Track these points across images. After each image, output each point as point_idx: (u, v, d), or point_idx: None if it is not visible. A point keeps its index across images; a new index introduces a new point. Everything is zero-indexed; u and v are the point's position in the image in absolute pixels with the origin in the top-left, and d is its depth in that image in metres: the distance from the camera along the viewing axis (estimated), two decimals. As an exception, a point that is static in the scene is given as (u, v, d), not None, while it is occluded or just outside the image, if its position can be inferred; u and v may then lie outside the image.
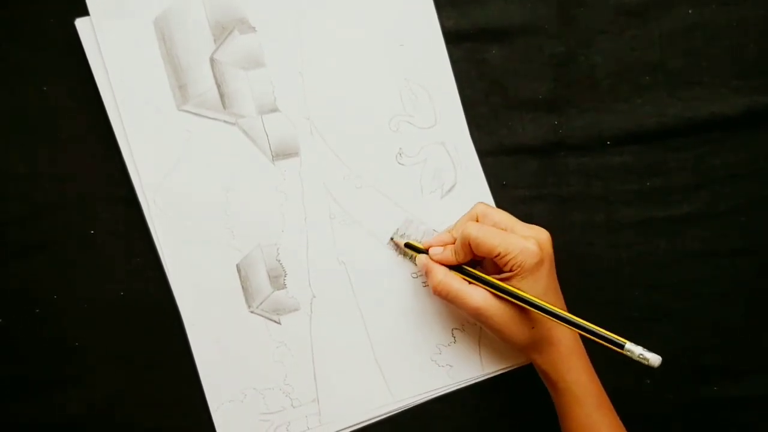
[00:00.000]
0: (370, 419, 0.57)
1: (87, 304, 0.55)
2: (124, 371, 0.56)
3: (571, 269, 0.54)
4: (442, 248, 0.53)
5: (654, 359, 0.43)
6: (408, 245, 0.55)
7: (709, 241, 0.58)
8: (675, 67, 0.57)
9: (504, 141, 0.57)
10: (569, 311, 0.48)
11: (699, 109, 0.57)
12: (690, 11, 0.57)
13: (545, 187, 0.58)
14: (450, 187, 0.57)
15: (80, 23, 0.53)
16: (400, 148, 0.56)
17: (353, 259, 0.56)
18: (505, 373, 0.58)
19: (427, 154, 0.57)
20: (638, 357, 0.44)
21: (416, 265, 0.55)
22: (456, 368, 0.57)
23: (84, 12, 0.53)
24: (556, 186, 0.58)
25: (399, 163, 0.56)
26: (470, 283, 0.51)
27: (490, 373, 0.57)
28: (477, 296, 0.50)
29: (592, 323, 0.46)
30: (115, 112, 0.54)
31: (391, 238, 0.56)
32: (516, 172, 0.58)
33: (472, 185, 0.57)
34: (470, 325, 0.57)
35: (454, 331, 0.57)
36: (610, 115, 0.57)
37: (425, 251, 0.54)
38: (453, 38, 0.56)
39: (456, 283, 0.51)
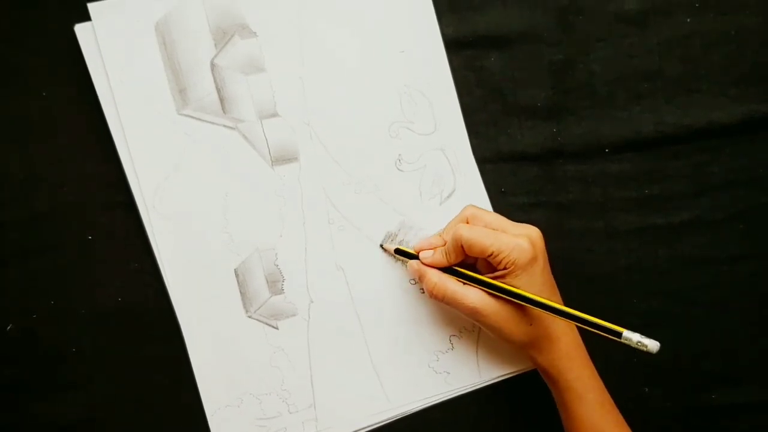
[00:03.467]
0: (368, 426, 0.57)
1: (85, 310, 0.55)
2: (122, 376, 0.56)
3: (570, 276, 0.54)
4: (432, 251, 0.53)
5: (652, 345, 0.43)
6: (398, 251, 0.55)
7: (708, 248, 0.58)
8: (673, 75, 0.57)
9: (503, 148, 0.57)
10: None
11: (697, 117, 0.57)
12: (688, 19, 0.57)
13: (544, 194, 0.58)
14: (449, 193, 0.57)
15: (80, 29, 0.53)
16: (400, 154, 0.56)
17: (351, 264, 0.56)
18: (503, 380, 0.58)
19: (426, 161, 0.57)
20: (636, 344, 0.44)
21: (407, 271, 0.55)
22: (453, 375, 0.57)
23: (84, 18, 0.53)
24: (554, 193, 0.58)
25: (398, 169, 0.56)
26: (465, 284, 0.51)
27: (487, 381, 0.57)
28: (473, 296, 0.50)
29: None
30: (114, 116, 0.54)
31: (381, 245, 0.56)
32: (515, 179, 0.58)
33: (472, 192, 0.57)
34: (468, 331, 0.57)
35: (452, 338, 0.57)
36: (609, 123, 0.57)
37: (416, 256, 0.54)
38: (452, 45, 0.57)
39: (451, 284, 0.51)
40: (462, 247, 0.50)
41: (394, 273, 0.57)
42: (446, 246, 0.52)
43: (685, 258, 0.58)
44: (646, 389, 0.57)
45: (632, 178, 0.58)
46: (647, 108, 0.57)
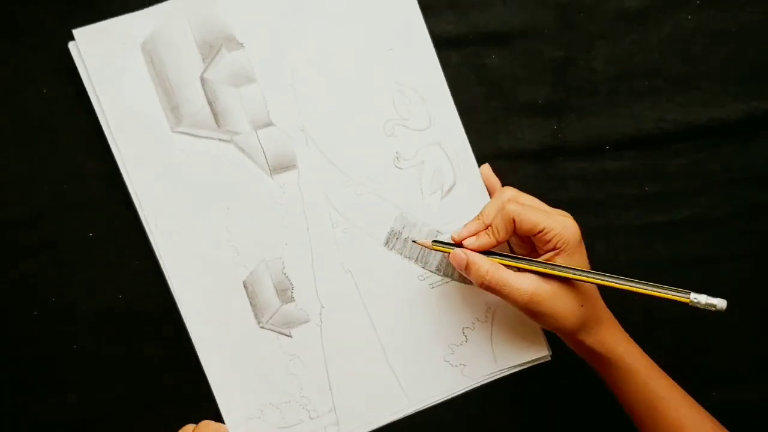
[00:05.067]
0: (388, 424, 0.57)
1: (86, 307, 0.56)
2: (123, 374, 0.56)
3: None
4: (475, 237, 0.51)
5: (720, 303, 0.45)
6: (436, 242, 0.53)
7: (708, 245, 0.58)
8: (674, 73, 0.57)
9: (503, 146, 0.57)
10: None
11: (698, 115, 0.57)
12: (689, 17, 0.57)
13: (544, 191, 0.57)
14: (450, 186, 0.57)
15: (74, 47, 0.53)
16: (397, 152, 0.56)
17: (359, 266, 0.56)
18: (509, 378, 0.58)
19: (424, 156, 0.57)
20: (705, 305, 0.46)
21: (450, 262, 0.52)
22: (470, 367, 0.57)
23: (85, 14, 0.54)
24: (555, 191, 0.58)
25: (397, 167, 0.56)
26: (517, 270, 0.50)
27: (504, 369, 0.57)
28: (528, 282, 0.49)
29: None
30: (113, 142, 0.54)
31: (413, 241, 0.56)
32: (515, 177, 0.57)
33: (472, 183, 0.57)
34: (481, 322, 0.57)
35: (465, 330, 0.57)
36: (610, 120, 0.57)
37: (456, 245, 0.52)
38: (453, 43, 0.56)
39: (503, 271, 0.49)
40: (513, 223, 0.49)
41: (402, 270, 0.57)
42: (493, 225, 0.50)
43: (685, 255, 0.58)
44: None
45: (633, 176, 0.57)
46: (648, 105, 0.57)
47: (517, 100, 0.57)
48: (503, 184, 0.57)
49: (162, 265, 0.55)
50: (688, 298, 0.46)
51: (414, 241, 0.56)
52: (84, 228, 0.55)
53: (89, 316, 0.55)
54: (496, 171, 0.57)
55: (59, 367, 0.56)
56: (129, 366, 0.56)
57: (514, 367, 0.57)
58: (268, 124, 0.55)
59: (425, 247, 0.55)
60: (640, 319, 0.57)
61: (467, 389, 0.57)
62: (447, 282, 0.57)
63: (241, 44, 0.54)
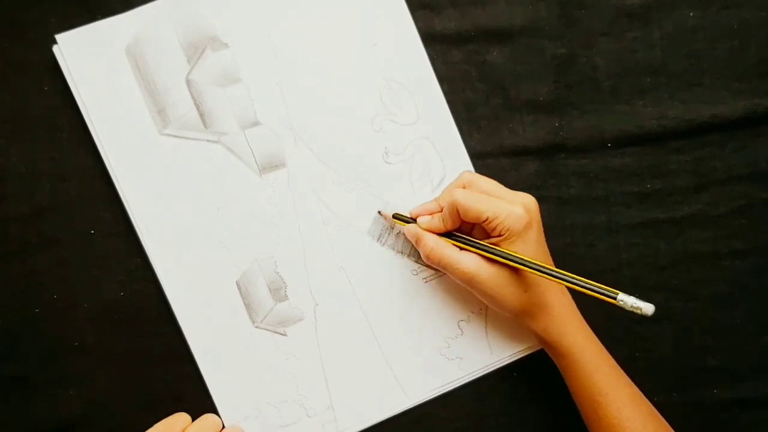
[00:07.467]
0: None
1: (87, 304, 0.56)
2: (123, 371, 0.56)
3: (572, 271, 0.53)
4: (429, 217, 0.53)
5: (647, 308, 0.43)
6: (396, 216, 0.55)
7: (710, 242, 0.58)
8: (676, 70, 0.57)
9: (505, 142, 0.57)
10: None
11: (700, 111, 0.57)
12: (691, 13, 0.57)
13: (546, 188, 0.57)
14: (440, 180, 0.57)
15: (58, 50, 0.53)
16: (386, 147, 0.56)
17: (351, 262, 0.56)
18: (504, 372, 0.57)
19: (413, 151, 0.56)
20: (631, 307, 0.43)
21: (406, 235, 0.54)
22: (466, 359, 0.57)
23: (87, 9, 0.54)
24: (556, 187, 0.57)
25: (386, 162, 0.56)
26: (461, 249, 0.51)
27: (500, 360, 0.57)
28: (469, 261, 0.50)
29: (583, 278, 0.46)
30: (101, 147, 0.54)
31: (379, 212, 0.56)
32: (516, 174, 0.57)
33: (462, 176, 0.57)
34: (476, 315, 0.57)
35: (460, 323, 0.57)
36: (611, 117, 0.57)
37: (413, 221, 0.54)
38: (454, 40, 0.56)
39: (447, 249, 0.51)
40: (458, 212, 0.50)
41: (396, 266, 0.57)
42: (443, 212, 0.52)
43: (687, 253, 0.58)
44: (648, 384, 0.55)
45: (634, 173, 0.57)
46: (650, 102, 0.57)
47: (519, 97, 0.57)
48: (505, 182, 0.56)
49: (154, 268, 0.55)
50: (615, 299, 0.44)
51: (379, 212, 0.56)
52: (86, 225, 0.55)
53: (90, 313, 0.55)
54: (499, 168, 0.57)
55: (60, 363, 0.56)
56: (129, 363, 0.56)
57: (510, 356, 0.57)
58: (256, 123, 0.55)
59: (386, 219, 0.56)
60: (638, 316, 0.57)
61: (464, 382, 0.57)
62: (440, 276, 0.57)
63: (226, 44, 0.54)
